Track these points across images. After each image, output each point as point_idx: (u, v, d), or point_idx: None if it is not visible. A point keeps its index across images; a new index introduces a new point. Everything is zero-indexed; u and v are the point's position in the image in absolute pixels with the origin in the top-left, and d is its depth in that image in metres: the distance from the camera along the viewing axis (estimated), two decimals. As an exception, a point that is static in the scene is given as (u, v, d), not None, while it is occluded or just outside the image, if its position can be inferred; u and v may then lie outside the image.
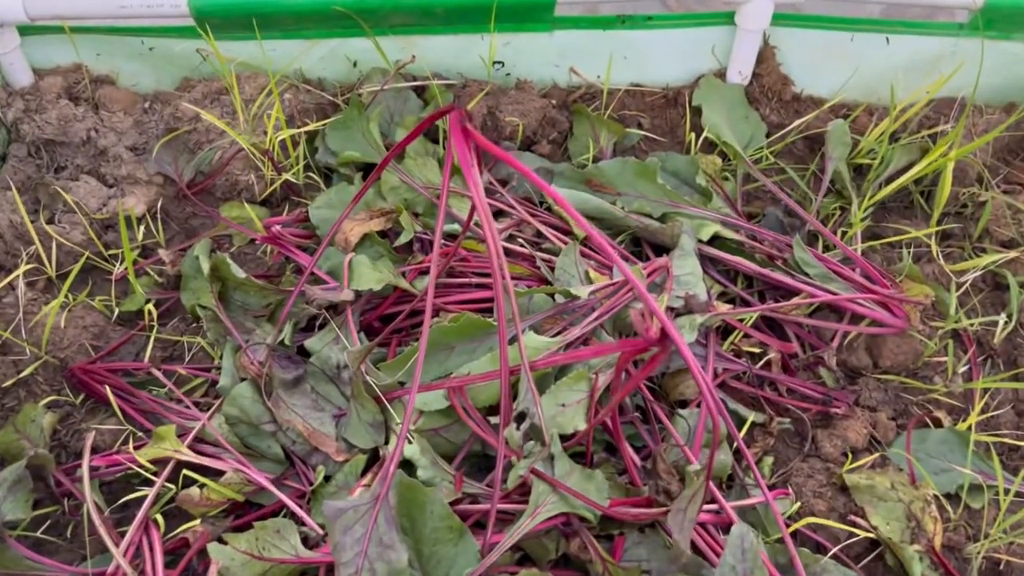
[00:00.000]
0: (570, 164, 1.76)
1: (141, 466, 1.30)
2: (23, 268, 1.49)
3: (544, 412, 1.27)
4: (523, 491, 1.24)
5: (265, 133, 1.66)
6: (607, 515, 1.22)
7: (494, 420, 1.30)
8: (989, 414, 1.50)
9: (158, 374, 1.41)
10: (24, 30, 1.71)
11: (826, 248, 1.67)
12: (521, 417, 1.26)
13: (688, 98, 1.82)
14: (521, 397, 1.25)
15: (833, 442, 1.46)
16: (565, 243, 1.58)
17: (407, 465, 1.26)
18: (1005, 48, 1.75)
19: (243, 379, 1.40)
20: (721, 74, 1.85)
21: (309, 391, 1.38)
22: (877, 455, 1.43)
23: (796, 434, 1.50)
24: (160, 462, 1.32)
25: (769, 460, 1.44)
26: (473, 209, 1.35)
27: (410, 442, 1.27)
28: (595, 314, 1.42)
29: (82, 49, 1.76)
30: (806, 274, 1.58)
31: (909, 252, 1.66)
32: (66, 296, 1.50)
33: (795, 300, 1.54)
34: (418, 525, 1.18)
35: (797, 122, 1.77)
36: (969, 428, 1.46)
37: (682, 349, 1.05)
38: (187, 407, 1.39)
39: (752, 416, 1.43)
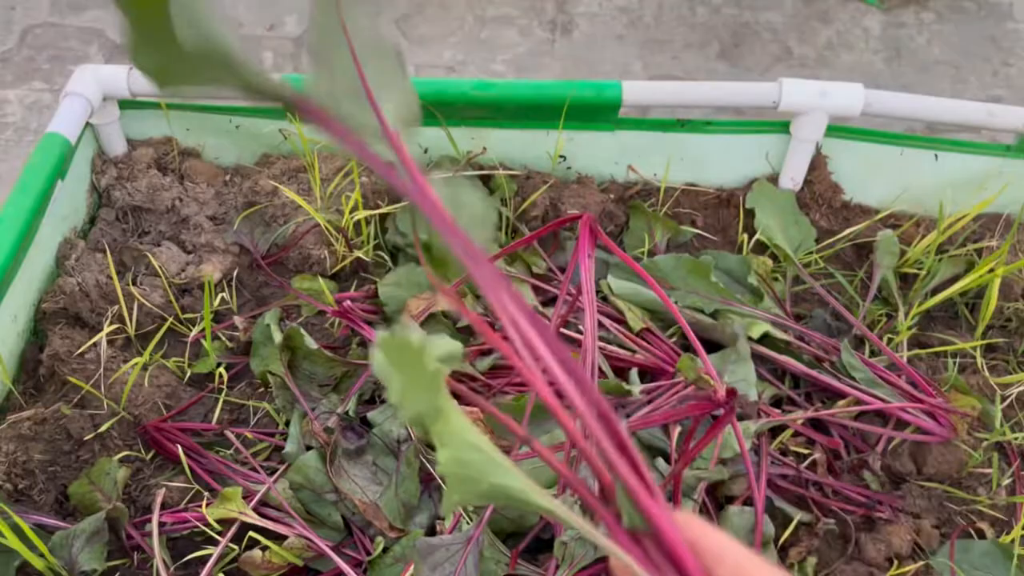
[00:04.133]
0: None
1: (208, 524, 1.35)
2: (108, 328, 1.57)
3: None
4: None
5: (339, 211, 1.75)
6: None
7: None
8: (1033, 529, 1.52)
9: (231, 436, 1.47)
10: (123, 104, 1.83)
11: (872, 353, 1.71)
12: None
13: (741, 200, 1.90)
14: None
15: (877, 546, 1.48)
16: (620, 332, 1.64)
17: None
18: (1051, 170, 1.82)
19: (308, 447, 1.46)
20: (774, 179, 1.93)
21: (370, 463, 1.44)
22: (921, 563, 1.45)
23: (840, 536, 1.52)
24: (225, 522, 1.38)
25: (812, 561, 1.46)
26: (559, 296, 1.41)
27: (468, 521, 1.31)
28: (648, 408, 1.47)
29: (174, 124, 1.89)
30: (852, 378, 1.63)
31: (955, 362, 1.70)
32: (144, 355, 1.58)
33: (843, 406, 1.58)
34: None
35: (848, 230, 1.83)
36: (1012, 542, 1.48)
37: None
38: (253, 470, 1.45)
39: (799, 516, 1.46)
